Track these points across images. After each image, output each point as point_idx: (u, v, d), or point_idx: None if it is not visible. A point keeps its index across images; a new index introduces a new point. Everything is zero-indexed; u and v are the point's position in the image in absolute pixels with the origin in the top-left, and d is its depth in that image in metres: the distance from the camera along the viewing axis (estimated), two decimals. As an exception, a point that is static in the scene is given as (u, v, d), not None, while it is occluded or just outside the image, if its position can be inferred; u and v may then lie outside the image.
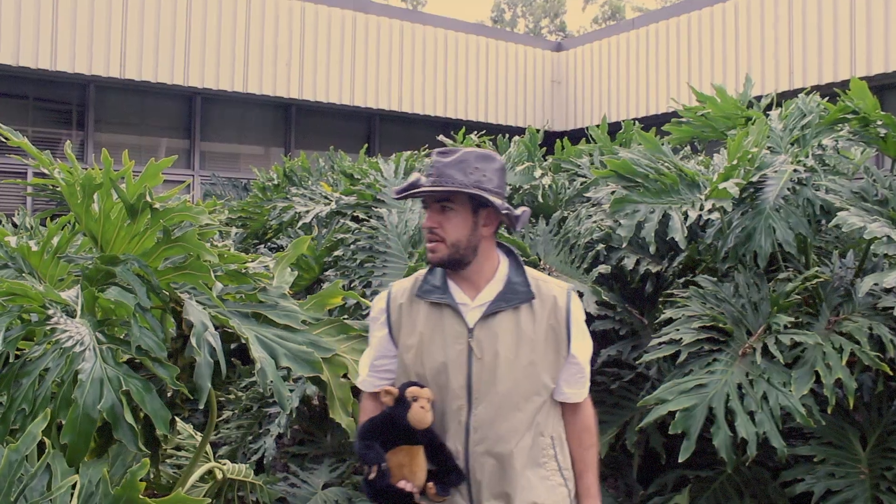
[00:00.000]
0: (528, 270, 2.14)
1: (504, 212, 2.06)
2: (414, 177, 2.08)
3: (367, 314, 3.67)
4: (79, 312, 2.12)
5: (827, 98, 3.89)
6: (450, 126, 6.44)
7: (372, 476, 1.88)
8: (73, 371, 1.84)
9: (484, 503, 2.02)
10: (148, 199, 2.09)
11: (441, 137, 5.09)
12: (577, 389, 2.17)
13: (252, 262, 2.47)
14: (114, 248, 2.24)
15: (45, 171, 2.33)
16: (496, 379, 2.02)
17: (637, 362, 3.38)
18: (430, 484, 1.96)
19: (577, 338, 2.13)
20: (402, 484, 1.91)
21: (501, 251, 2.17)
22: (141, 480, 1.66)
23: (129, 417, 1.73)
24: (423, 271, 2.17)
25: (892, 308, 2.83)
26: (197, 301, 2.12)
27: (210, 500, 1.96)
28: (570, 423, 2.20)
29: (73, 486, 1.86)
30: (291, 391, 4.01)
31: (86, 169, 2.28)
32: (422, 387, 1.99)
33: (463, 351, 2.02)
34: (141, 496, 1.60)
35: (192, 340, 1.88)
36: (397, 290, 2.16)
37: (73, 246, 2.94)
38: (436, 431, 2.00)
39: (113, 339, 1.95)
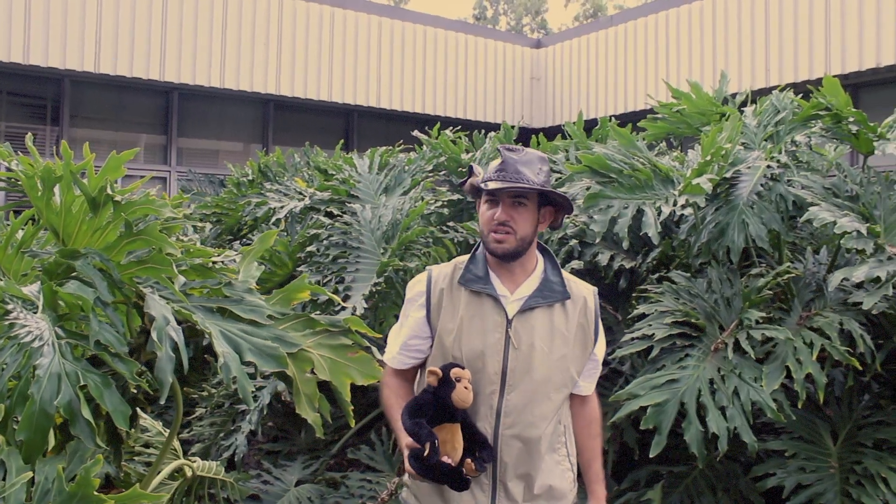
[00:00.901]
0: (562, 271, 2.28)
1: (565, 215, 2.26)
2: (480, 171, 2.21)
3: (340, 310, 3.67)
4: (40, 307, 2.08)
5: (802, 95, 3.91)
6: (429, 122, 6.41)
7: (427, 452, 1.96)
8: (30, 366, 1.80)
9: (507, 482, 2.16)
10: (109, 192, 2.06)
11: (416, 133, 5.06)
12: (590, 383, 2.36)
13: (218, 256, 2.44)
14: (76, 242, 2.20)
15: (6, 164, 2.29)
16: (531, 368, 2.14)
17: (610, 357, 3.38)
18: (469, 460, 2.06)
19: (600, 339, 2.32)
20: (445, 459, 2.02)
21: (538, 250, 2.30)
22: (97, 476, 1.62)
23: (86, 413, 1.69)
24: (462, 259, 2.27)
25: (862, 303, 2.84)
26: (160, 295, 2.08)
27: (167, 495, 1.93)
28: (579, 413, 2.36)
29: (31, 483, 1.82)
30: (263, 388, 3.98)
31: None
32: (463, 368, 2.10)
33: (501, 339, 2.14)
34: (96, 493, 1.57)
35: (153, 335, 1.84)
36: (438, 275, 2.25)
37: (39, 240, 2.89)
38: (467, 412, 2.12)
39: (73, 335, 1.91)
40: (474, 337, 2.15)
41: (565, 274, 2.28)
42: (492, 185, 2.11)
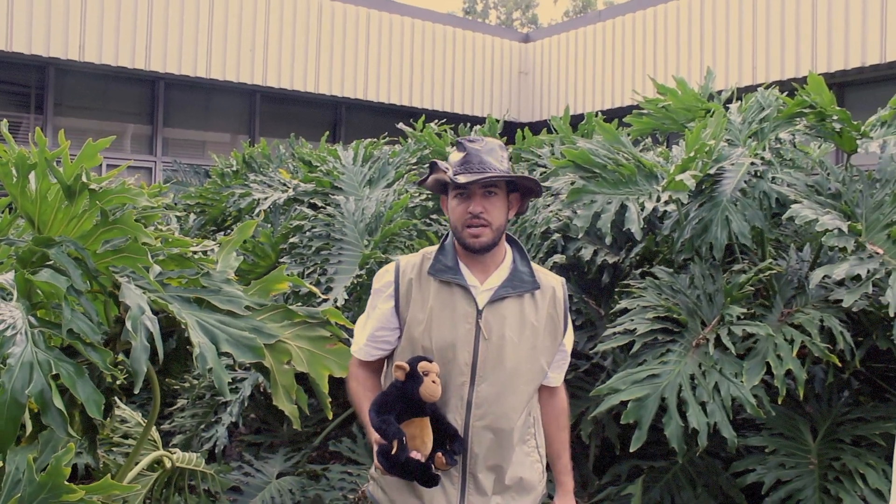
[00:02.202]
0: (531, 262, 2.26)
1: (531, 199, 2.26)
2: (446, 166, 2.15)
3: (321, 302, 3.65)
4: (14, 296, 2.06)
5: (787, 93, 3.91)
6: (417, 115, 6.38)
7: (395, 450, 1.94)
8: (2, 355, 1.77)
9: (478, 474, 2.14)
10: (85, 180, 2.03)
11: (401, 126, 5.04)
12: (559, 374, 2.34)
13: (197, 246, 2.41)
14: (51, 231, 2.17)
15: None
16: (502, 359, 2.13)
17: (592, 352, 3.38)
18: (440, 454, 2.05)
19: (569, 329, 2.30)
20: (414, 454, 2.00)
21: (507, 240, 2.28)
22: (70, 466, 1.60)
23: (58, 402, 1.67)
24: (430, 249, 2.24)
25: (842, 300, 2.85)
26: (136, 285, 2.06)
27: (139, 486, 1.91)
28: (548, 405, 2.35)
29: (1, 474, 1.80)
30: (244, 380, 3.96)
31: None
32: (430, 361, 2.06)
33: (471, 330, 2.12)
34: (66, 482, 1.55)
35: (128, 324, 1.82)
36: (406, 265, 2.22)
37: (17, 227, 2.86)
38: (437, 404, 2.09)
39: (46, 323, 1.89)
40: (444, 327, 2.12)
41: (534, 265, 2.27)
42: (463, 179, 2.07)
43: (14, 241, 2.44)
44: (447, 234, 2.25)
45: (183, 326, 1.95)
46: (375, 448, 2.01)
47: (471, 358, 2.12)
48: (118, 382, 2.45)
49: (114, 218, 2.01)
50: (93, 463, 2.82)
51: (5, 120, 2.23)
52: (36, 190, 2.11)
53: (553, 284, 2.27)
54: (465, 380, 2.12)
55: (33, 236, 2.11)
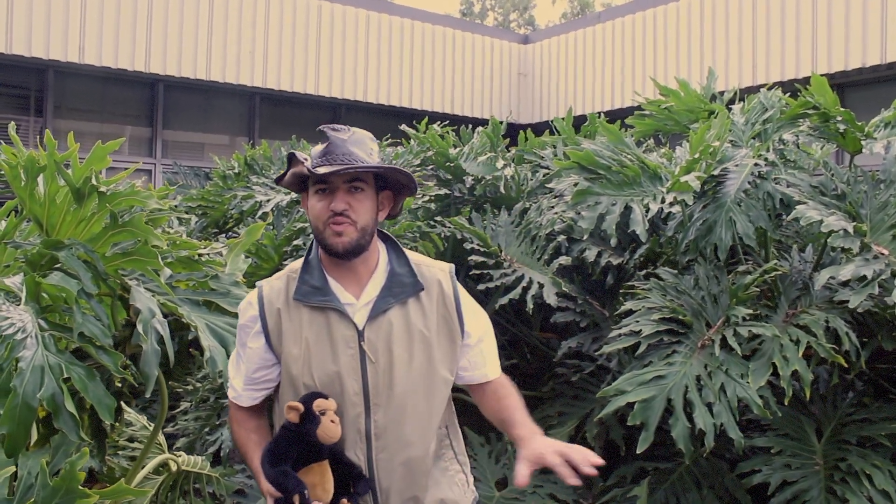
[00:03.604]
0: (409, 255, 2.01)
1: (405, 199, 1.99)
2: (305, 157, 1.87)
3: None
4: (23, 299, 2.05)
5: (789, 94, 3.91)
6: (416, 117, 6.39)
7: None
8: (13, 359, 1.77)
9: None
10: (94, 182, 2.03)
11: (404, 127, 5.04)
12: (483, 370, 2.07)
13: (204, 248, 2.41)
14: (60, 233, 2.17)
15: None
16: (393, 382, 1.89)
17: (597, 354, 3.38)
18: (344, 500, 1.85)
19: (470, 320, 2.02)
20: None
21: (379, 238, 2.03)
22: (82, 470, 1.60)
23: (69, 406, 1.67)
24: (295, 267, 1.96)
25: (848, 301, 2.85)
26: (146, 288, 2.06)
27: (151, 490, 1.91)
28: (480, 395, 2.10)
29: (14, 478, 1.80)
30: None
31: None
32: (326, 398, 1.84)
33: (355, 356, 1.88)
34: (81, 487, 1.55)
35: (139, 327, 1.82)
36: (270, 293, 1.94)
37: (22, 231, 2.86)
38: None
39: (56, 326, 1.89)
40: (325, 359, 1.87)
41: (413, 258, 2.01)
42: (322, 170, 1.79)
43: (21, 243, 2.43)
44: (310, 247, 1.97)
45: (193, 330, 1.95)
46: (270, 502, 1.82)
47: (360, 386, 1.88)
48: (124, 386, 2.44)
49: (123, 221, 2.01)
50: (97, 466, 2.82)
51: (13, 122, 2.23)
52: (45, 193, 2.11)
53: (438, 278, 2.00)
54: (359, 411, 1.88)
55: (42, 239, 2.11)
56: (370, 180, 1.90)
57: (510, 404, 2.04)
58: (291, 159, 1.89)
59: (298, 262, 1.96)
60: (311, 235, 4.12)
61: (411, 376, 1.90)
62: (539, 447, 1.85)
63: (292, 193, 4.72)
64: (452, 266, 2.06)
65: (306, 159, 1.85)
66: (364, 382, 1.87)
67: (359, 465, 1.88)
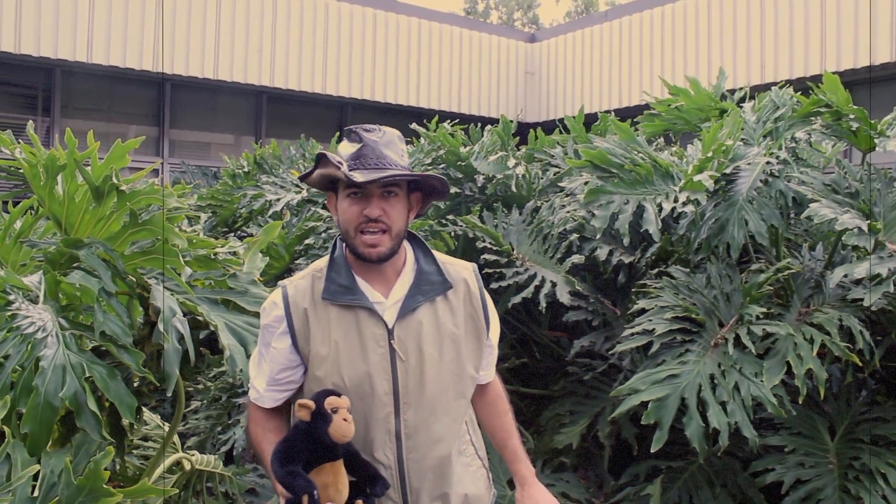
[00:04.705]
0: (435, 254, 2.00)
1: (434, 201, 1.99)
2: (338, 159, 1.83)
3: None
4: (41, 298, 2.06)
5: (799, 92, 3.91)
6: (423, 115, 6.40)
7: None
8: (34, 358, 1.78)
9: None
10: (114, 181, 2.04)
11: (414, 126, 5.04)
12: (490, 371, 2.12)
13: (221, 247, 2.42)
14: (78, 232, 2.18)
15: (7, 152, 2.26)
16: (424, 381, 1.88)
17: (610, 353, 3.38)
18: (359, 501, 1.80)
19: (493, 319, 2.04)
20: None
21: (405, 238, 1.99)
22: (105, 469, 1.61)
23: (92, 405, 1.67)
24: (319, 266, 1.93)
25: (862, 300, 2.85)
26: (165, 287, 2.06)
27: (176, 490, 1.92)
28: (481, 400, 2.12)
29: (35, 477, 1.81)
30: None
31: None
32: (339, 395, 1.78)
33: (385, 355, 1.85)
34: (105, 486, 1.56)
35: (160, 326, 1.83)
36: (296, 293, 1.90)
37: (37, 230, 2.87)
38: (354, 442, 1.83)
39: (77, 325, 1.90)
40: (355, 359, 1.84)
41: (439, 257, 1.99)
42: (361, 177, 1.76)
43: (38, 242, 2.44)
44: (334, 245, 1.94)
45: (214, 328, 1.95)
46: (283, 502, 1.76)
47: (390, 386, 1.86)
48: (143, 385, 2.45)
49: (143, 219, 2.02)
50: (110, 465, 2.82)
51: (31, 122, 2.24)
52: (63, 191, 2.11)
53: (464, 276, 2.00)
54: (388, 411, 1.86)
55: (62, 238, 2.12)
56: (403, 184, 1.88)
57: (508, 427, 2.12)
58: (321, 159, 1.85)
59: (322, 262, 1.93)
60: (323, 235, 4.15)
61: (441, 375, 1.89)
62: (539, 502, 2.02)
63: (302, 192, 4.74)
64: (475, 265, 2.05)
65: (340, 163, 1.80)
66: (394, 382, 1.85)
67: (388, 465, 1.86)
